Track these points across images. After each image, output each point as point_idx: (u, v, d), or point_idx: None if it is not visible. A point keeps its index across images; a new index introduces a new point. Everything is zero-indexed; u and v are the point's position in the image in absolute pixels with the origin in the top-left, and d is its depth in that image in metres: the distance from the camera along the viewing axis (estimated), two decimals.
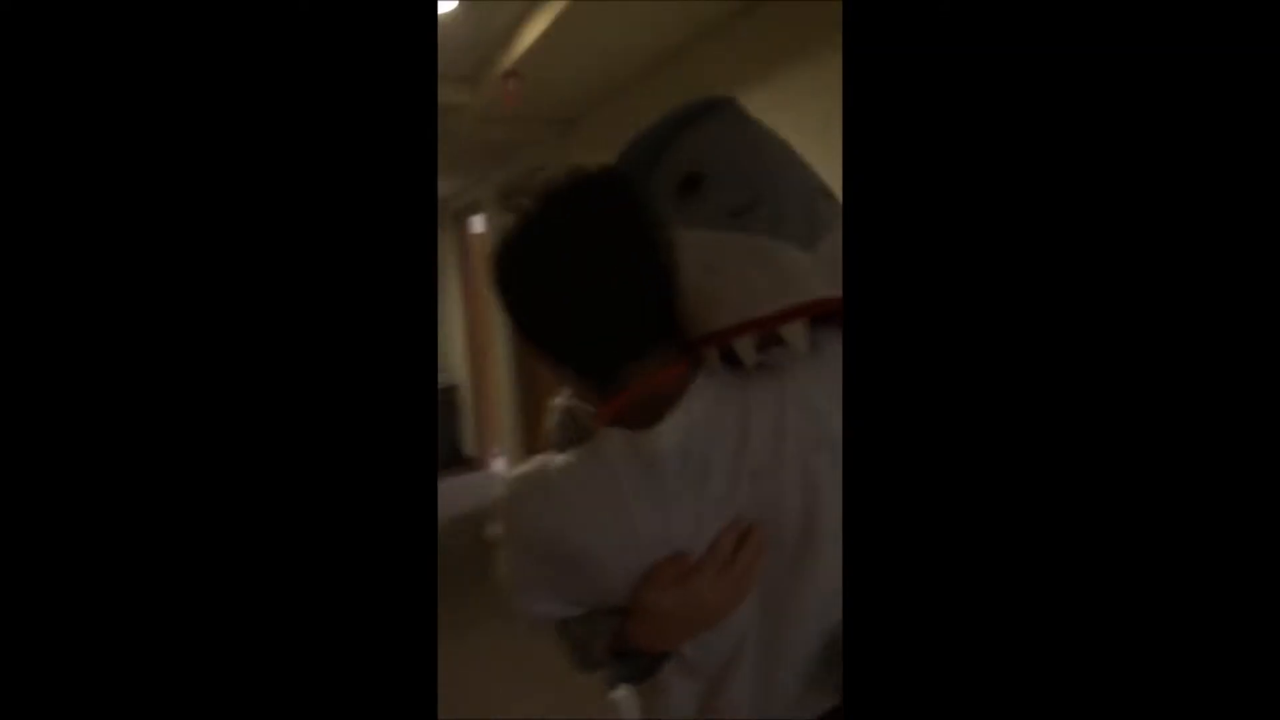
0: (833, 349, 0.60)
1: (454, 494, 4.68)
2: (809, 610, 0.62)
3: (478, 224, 5.04)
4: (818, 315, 0.57)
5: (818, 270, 0.56)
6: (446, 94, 2.77)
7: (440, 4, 2.07)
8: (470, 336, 5.36)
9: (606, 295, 0.58)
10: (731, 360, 0.60)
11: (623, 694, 0.78)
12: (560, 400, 0.76)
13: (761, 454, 0.60)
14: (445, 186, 4.99)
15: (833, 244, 0.56)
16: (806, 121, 1.75)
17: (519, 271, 0.61)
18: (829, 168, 0.65)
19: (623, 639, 0.63)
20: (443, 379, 5.71)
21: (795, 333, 0.57)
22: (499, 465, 5.19)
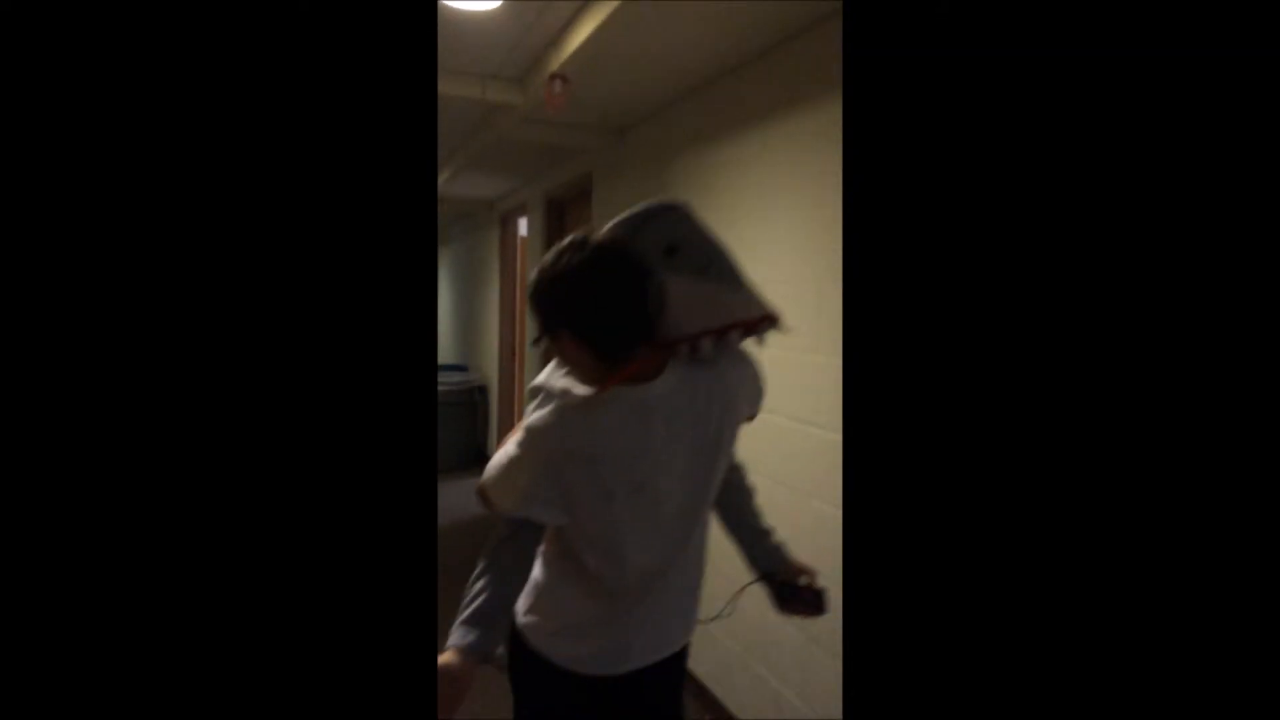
0: (736, 356, 1.07)
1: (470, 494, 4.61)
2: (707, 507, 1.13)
3: (523, 227, 5.00)
4: (742, 328, 1.03)
5: (743, 303, 1.03)
6: (494, 94, 2.72)
7: (481, 2, 2.00)
8: (503, 339, 5.32)
9: (629, 311, 0.98)
10: (692, 352, 1.02)
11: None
12: (537, 382, 1.11)
13: (702, 407, 1.03)
14: (493, 187, 4.96)
15: (747, 287, 1.04)
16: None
17: (571, 289, 0.97)
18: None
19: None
20: (473, 379, 5.68)
21: (733, 338, 1.03)
22: None
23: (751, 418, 1.14)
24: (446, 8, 2.03)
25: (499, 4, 2.02)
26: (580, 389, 1.03)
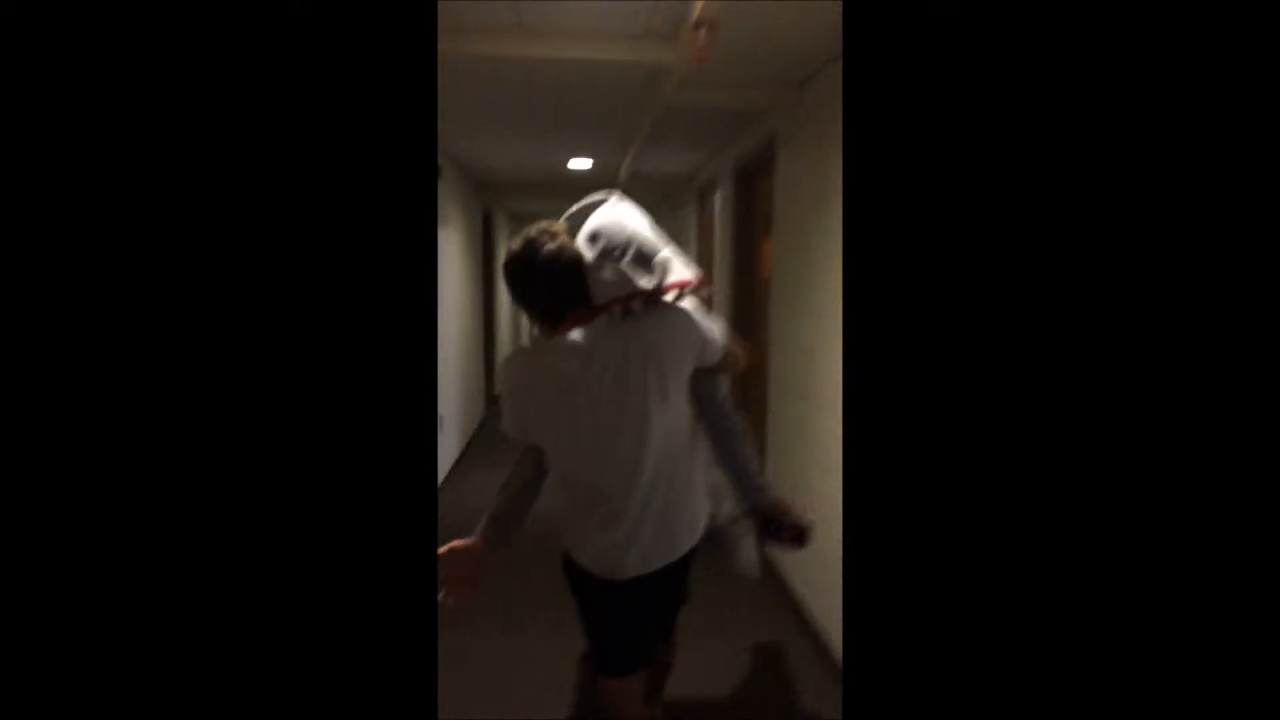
0: (659, 310, 1.37)
1: None
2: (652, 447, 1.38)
3: (719, 202, 4.67)
4: (649, 297, 1.34)
5: (652, 278, 1.33)
6: (648, 53, 2.42)
7: None
8: None
9: (560, 286, 1.34)
10: (621, 313, 1.35)
11: None
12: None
13: (624, 355, 1.33)
14: (685, 161, 4.68)
15: (659, 263, 1.36)
16: None
17: (525, 271, 1.35)
18: None
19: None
20: None
21: (643, 302, 1.35)
22: None
23: (708, 364, 1.44)
24: None
25: None
26: (537, 339, 1.42)
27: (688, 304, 1.42)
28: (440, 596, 1.33)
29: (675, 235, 5.93)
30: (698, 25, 2.03)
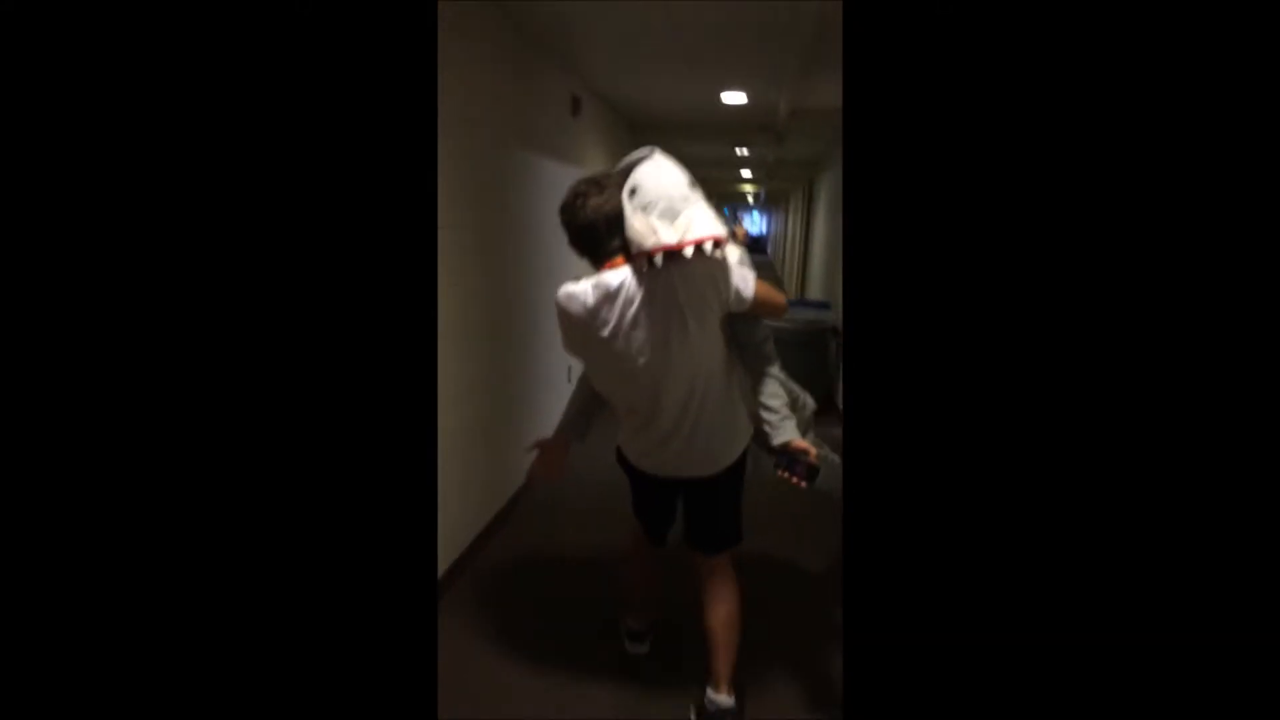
0: (683, 261, 1.43)
1: None
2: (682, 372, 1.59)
3: None
4: (671, 250, 1.40)
5: (674, 234, 1.40)
6: None
7: None
8: None
9: (601, 235, 1.56)
10: (648, 262, 1.46)
11: None
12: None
13: (654, 297, 1.50)
14: None
15: (684, 219, 1.41)
16: None
17: (570, 220, 1.58)
18: None
19: None
20: (827, 319, 5.10)
21: (666, 254, 1.42)
22: None
23: (741, 310, 1.59)
24: None
25: None
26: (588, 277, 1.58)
27: (728, 254, 1.54)
28: (531, 479, 1.89)
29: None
30: None
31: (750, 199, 19.23)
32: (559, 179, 3.38)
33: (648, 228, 1.41)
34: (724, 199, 17.97)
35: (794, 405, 1.75)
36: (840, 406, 4.78)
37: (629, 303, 1.50)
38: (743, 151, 7.59)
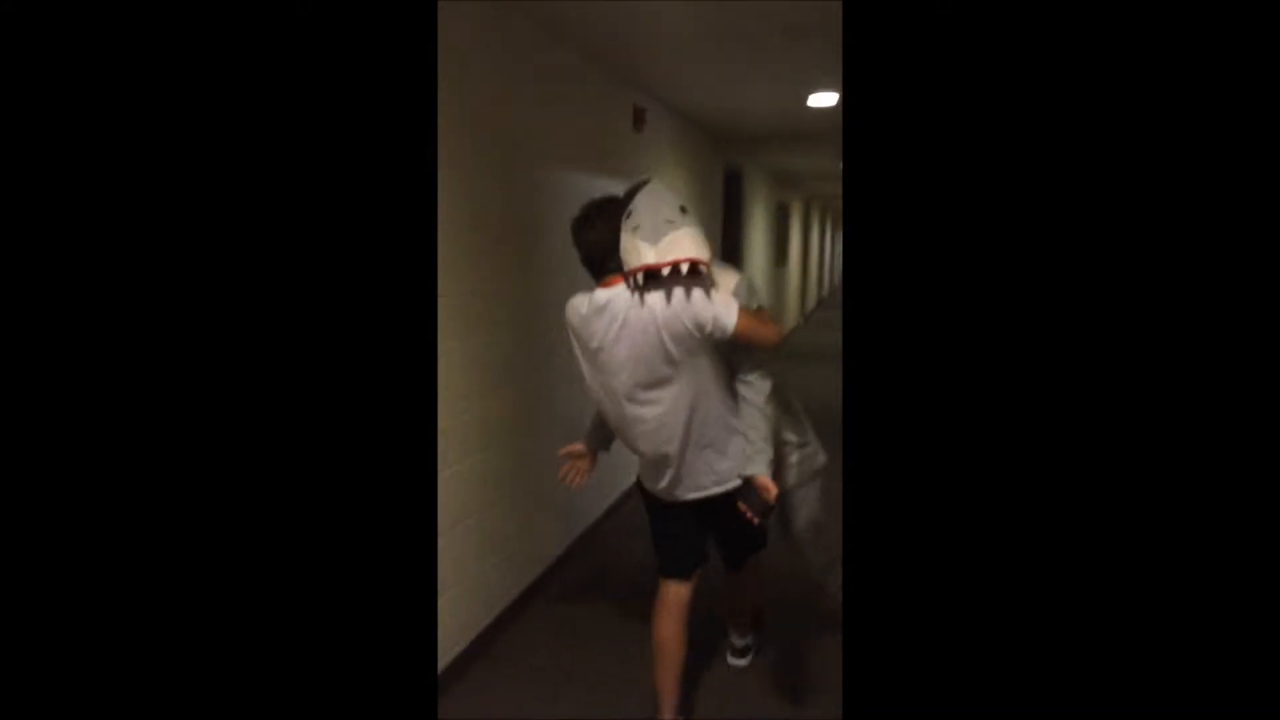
0: (663, 284, 1.57)
1: None
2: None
3: None
4: (651, 271, 1.55)
5: (654, 254, 1.53)
6: None
7: None
8: None
9: (600, 253, 1.69)
10: (634, 282, 1.61)
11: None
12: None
13: (637, 316, 1.60)
14: None
15: (667, 242, 1.54)
16: None
17: (576, 237, 1.74)
18: None
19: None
20: None
21: (646, 275, 1.57)
22: None
23: (721, 339, 1.61)
24: None
25: None
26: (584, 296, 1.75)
27: (719, 281, 1.64)
28: (562, 479, 2.03)
29: None
30: None
31: None
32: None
33: (634, 249, 1.55)
34: (837, 218, 16.64)
35: (801, 447, 1.89)
36: None
37: (614, 319, 1.63)
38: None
